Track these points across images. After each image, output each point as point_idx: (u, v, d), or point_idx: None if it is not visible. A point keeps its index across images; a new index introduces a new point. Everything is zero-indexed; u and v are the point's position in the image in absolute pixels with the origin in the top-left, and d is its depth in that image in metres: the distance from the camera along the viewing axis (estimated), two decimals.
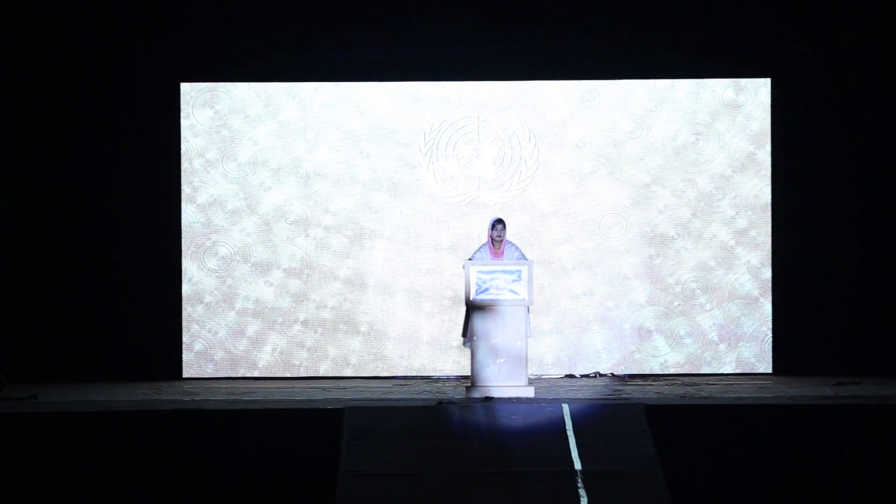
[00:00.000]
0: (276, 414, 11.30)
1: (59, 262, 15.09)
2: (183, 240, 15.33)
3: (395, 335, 15.39)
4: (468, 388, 12.19)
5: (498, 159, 15.47)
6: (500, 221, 12.85)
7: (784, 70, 15.34)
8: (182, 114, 15.37)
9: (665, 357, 15.38)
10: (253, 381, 14.96)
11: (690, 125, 15.43)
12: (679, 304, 15.38)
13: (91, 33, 15.06)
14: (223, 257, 15.39)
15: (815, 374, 14.80)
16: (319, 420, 11.03)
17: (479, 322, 12.12)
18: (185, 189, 15.36)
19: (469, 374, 12.32)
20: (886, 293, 15.05)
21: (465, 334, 12.53)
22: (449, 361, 15.35)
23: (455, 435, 10.85)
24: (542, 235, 15.37)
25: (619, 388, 13.68)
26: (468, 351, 12.32)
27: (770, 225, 15.35)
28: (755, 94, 15.41)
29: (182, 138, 15.35)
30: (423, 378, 15.19)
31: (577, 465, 10.36)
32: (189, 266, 15.34)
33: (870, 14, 15.01)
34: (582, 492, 10.08)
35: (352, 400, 12.11)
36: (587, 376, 15.18)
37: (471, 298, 12.13)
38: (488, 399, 11.85)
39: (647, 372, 15.29)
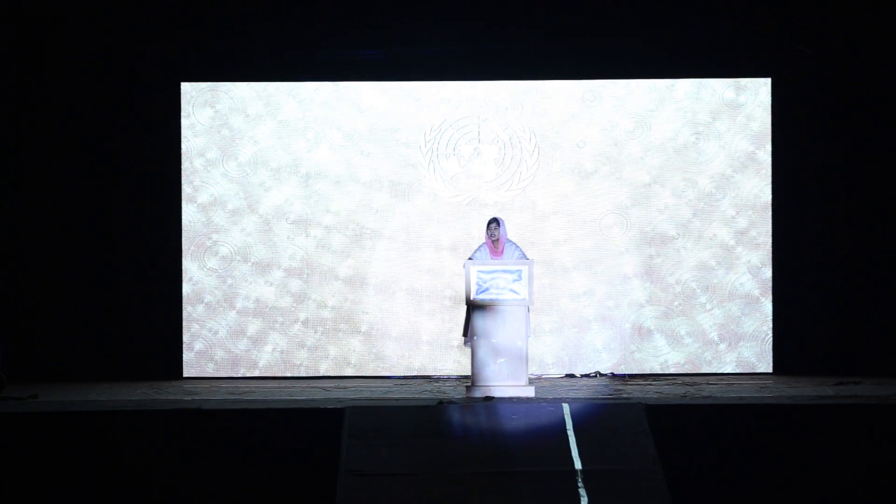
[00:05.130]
0: (276, 414, 11.29)
1: (59, 261, 15.09)
2: (183, 239, 15.34)
3: (396, 335, 15.40)
4: (468, 388, 12.19)
5: (498, 159, 15.48)
6: (493, 220, 12.84)
7: (784, 70, 15.34)
8: (182, 113, 15.37)
9: (665, 357, 15.38)
10: (253, 381, 14.96)
11: (691, 125, 15.43)
12: (679, 304, 15.39)
13: (91, 33, 15.06)
14: (223, 257, 15.40)
15: (815, 374, 14.81)
16: (319, 420, 11.03)
17: (479, 322, 12.12)
18: (186, 189, 15.36)
19: (469, 373, 12.32)
20: (886, 293, 15.05)
21: (465, 334, 12.53)
22: (449, 361, 15.35)
23: (455, 435, 10.85)
24: (542, 235, 15.37)
25: (619, 388, 13.67)
26: (468, 350, 12.32)
27: (770, 225, 15.36)
28: (755, 93, 15.41)
29: (182, 138, 15.36)
30: (423, 378, 15.20)
31: (577, 465, 10.36)
32: (189, 266, 15.35)
33: (870, 14, 15.01)
34: (582, 492, 10.08)
35: (352, 400, 12.10)
36: (587, 376, 15.18)
37: (471, 298, 12.12)
38: (489, 399, 11.85)
39: (647, 372, 15.30)
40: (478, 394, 12.01)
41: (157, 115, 15.27)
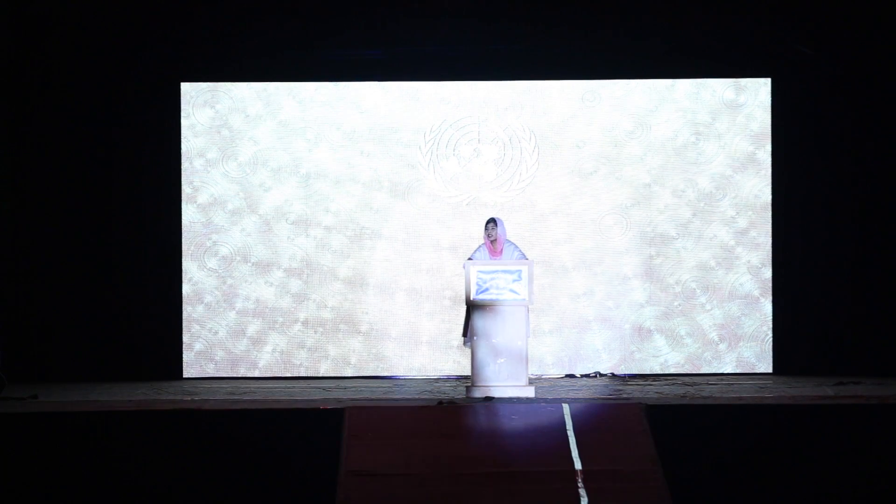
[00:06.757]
0: (276, 414, 11.29)
1: (59, 261, 15.09)
2: (183, 240, 15.34)
3: (395, 335, 15.39)
4: (468, 388, 12.18)
5: (498, 159, 15.48)
6: (490, 220, 12.82)
7: (784, 70, 15.34)
8: (182, 114, 15.37)
9: (665, 357, 15.38)
10: (253, 381, 14.96)
11: (691, 125, 15.43)
12: (679, 304, 15.39)
13: (91, 33, 15.06)
14: (223, 257, 15.39)
15: (815, 374, 14.81)
16: (319, 420, 11.03)
17: (479, 322, 12.11)
18: (186, 189, 15.36)
19: (469, 373, 12.32)
20: (886, 293, 15.05)
21: (465, 334, 12.52)
22: (449, 361, 15.35)
23: (455, 435, 10.84)
24: (542, 235, 15.37)
25: (619, 388, 13.67)
26: (468, 351, 12.32)
27: (770, 225, 15.36)
28: (755, 94, 15.41)
29: (182, 138, 15.36)
30: (423, 378, 15.20)
31: (577, 465, 10.36)
32: (189, 266, 15.35)
33: (870, 14, 15.01)
34: (582, 492, 10.07)
35: (352, 400, 12.10)
36: (587, 376, 15.18)
37: (471, 298, 12.12)
38: (488, 399, 11.85)
39: (647, 372, 15.30)
40: (478, 394, 12.01)
41: (157, 116, 15.27)
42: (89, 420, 11.00)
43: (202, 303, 15.37)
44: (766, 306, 15.37)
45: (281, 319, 15.38)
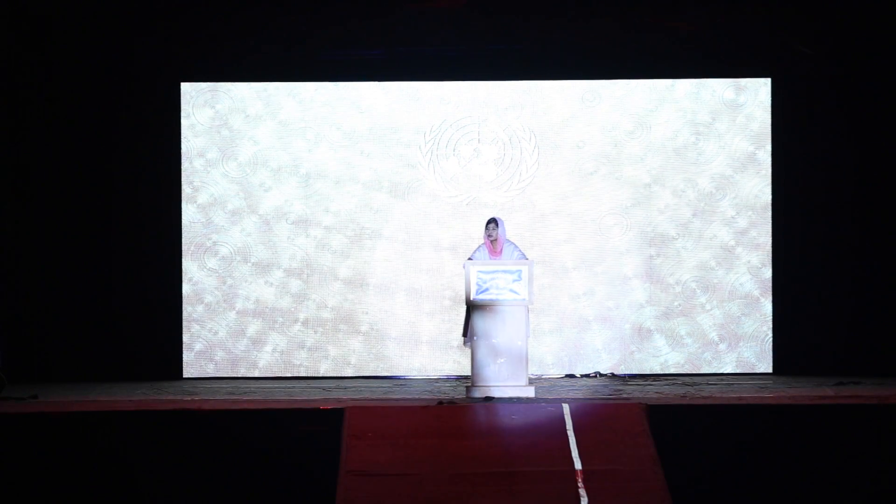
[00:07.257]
0: (276, 414, 11.29)
1: (59, 261, 15.09)
2: (183, 240, 15.34)
3: (395, 335, 15.39)
4: (468, 388, 12.18)
5: (498, 159, 15.48)
6: (491, 220, 12.81)
7: (784, 70, 15.34)
8: (182, 114, 15.37)
9: (665, 357, 15.38)
10: (253, 381, 14.96)
11: (691, 125, 15.43)
12: (679, 304, 15.39)
13: (91, 33, 15.06)
14: (223, 257, 15.39)
15: (815, 374, 14.81)
16: (319, 420, 11.03)
17: (479, 322, 12.11)
18: (186, 189, 15.36)
19: (469, 373, 12.32)
20: (886, 293, 15.05)
21: (465, 334, 12.52)
22: (449, 361, 15.35)
23: (455, 435, 10.84)
24: (542, 235, 15.37)
25: (619, 388, 13.66)
26: (468, 351, 12.31)
27: (770, 225, 15.36)
28: (755, 94, 15.41)
29: (182, 138, 15.36)
30: (423, 378, 15.20)
31: (577, 465, 10.35)
32: (189, 266, 15.35)
33: (869, 14, 15.01)
34: (582, 492, 10.07)
35: (352, 400, 12.10)
36: (587, 376, 15.18)
37: (471, 298, 12.11)
38: (488, 399, 11.84)
39: (647, 372, 15.30)
40: (478, 394, 12.01)
41: (157, 115, 15.27)
42: (89, 420, 10.99)
43: (202, 303, 15.37)
44: (766, 306, 15.37)
45: (281, 319, 15.38)
